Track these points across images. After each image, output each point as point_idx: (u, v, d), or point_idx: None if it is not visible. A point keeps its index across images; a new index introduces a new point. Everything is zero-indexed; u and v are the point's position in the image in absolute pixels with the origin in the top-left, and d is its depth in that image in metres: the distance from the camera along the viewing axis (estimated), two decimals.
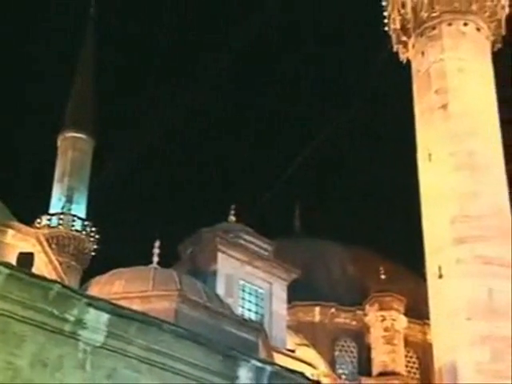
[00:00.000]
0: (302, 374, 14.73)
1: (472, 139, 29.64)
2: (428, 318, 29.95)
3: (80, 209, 47.22)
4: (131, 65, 75.19)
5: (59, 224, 45.83)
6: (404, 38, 32.98)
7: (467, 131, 29.76)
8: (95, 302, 13.02)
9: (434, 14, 31.86)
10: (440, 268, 28.45)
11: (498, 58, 32.45)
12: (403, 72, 33.09)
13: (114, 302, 13.69)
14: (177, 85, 75.89)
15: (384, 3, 33.61)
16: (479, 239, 27.81)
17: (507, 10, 32.62)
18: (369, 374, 35.40)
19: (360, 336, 37.26)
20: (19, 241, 19.34)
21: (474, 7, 31.78)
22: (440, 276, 28.43)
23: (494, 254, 27.68)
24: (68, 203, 46.96)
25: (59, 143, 48.80)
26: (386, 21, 33.59)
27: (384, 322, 35.87)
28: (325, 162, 68.48)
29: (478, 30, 31.79)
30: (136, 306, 15.65)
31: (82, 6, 57.18)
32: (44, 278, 13.18)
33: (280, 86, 76.90)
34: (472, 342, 26.47)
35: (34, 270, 14.45)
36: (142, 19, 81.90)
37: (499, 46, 32.62)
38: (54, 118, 50.29)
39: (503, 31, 32.62)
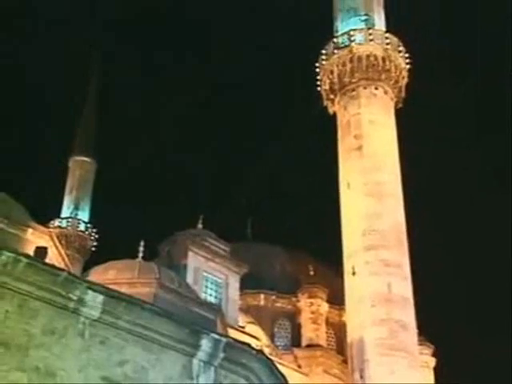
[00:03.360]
0: (249, 345, 14.60)
1: (379, 173, 30.01)
2: (343, 305, 30.14)
3: (84, 214, 47.12)
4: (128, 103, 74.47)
5: (68, 225, 45.71)
6: (332, 97, 33.22)
7: (375, 167, 30.13)
8: (93, 286, 12.95)
9: (354, 80, 32.22)
10: (353, 267, 28.68)
11: (398, 114, 33.04)
12: (331, 121, 33.43)
13: (107, 286, 13.62)
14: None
15: (318, 70, 33.92)
16: (382, 247, 28.18)
17: (406, 79, 33.20)
18: (299, 345, 35.37)
19: (293, 317, 37.17)
20: (36, 238, 19.08)
21: (383, 76, 32.22)
22: (353, 273, 28.65)
23: (392, 259, 28.08)
24: (75, 210, 46.87)
25: (70, 164, 48.74)
26: (318, 83, 33.95)
27: (311, 307, 35.89)
28: (271, 186, 68.92)
29: (385, 92, 32.20)
30: (124, 289, 15.53)
31: (89, 54, 57.01)
32: (54, 267, 13.12)
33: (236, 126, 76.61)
34: (374, 323, 26.78)
35: (47, 260, 14.39)
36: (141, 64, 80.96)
37: (400, 105, 33.19)
38: (66, 145, 50.10)
39: (403, 94, 33.24)
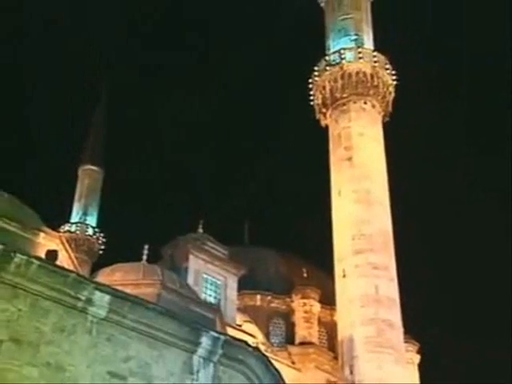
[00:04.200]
0: (246, 343, 14.64)
1: (367, 181, 30.05)
2: (335, 305, 30.10)
3: (92, 220, 46.90)
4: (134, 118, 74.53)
5: (77, 230, 45.50)
6: (324, 110, 33.31)
7: (364, 176, 30.17)
8: (100, 287, 12.98)
9: (345, 95, 32.33)
10: (344, 270, 28.67)
11: (386, 127, 33.16)
12: (323, 133, 33.54)
13: (113, 287, 13.62)
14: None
15: (310, 86, 34.04)
16: (370, 251, 28.18)
17: (393, 95, 33.35)
18: (293, 343, 35.24)
19: (287, 316, 37.00)
20: (48, 241, 18.94)
21: (371, 92, 32.36)
22: (344, 276, 28.63)
23: (380, 262, 28.09)
24: (84, 216, 46.67)
25: (79, 173, 48.62)
26: (311, 98, 34.06)
27: (304, 307, 35.71)
28: (267, 194, 68.95)
29: (373, 107, 32.30)
30: (129, 290, 15.41)
31: (99, 71, 57.11)
32: (64, 268, 13.16)
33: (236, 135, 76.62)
34: (363, 322, 26.76)
35: (58, 262, 14.30)
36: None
37: (387, 119, 33.30)
38: (76, 155, 50.14)
39: (390, 109, 33.35)
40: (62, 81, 74.24)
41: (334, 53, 33.67)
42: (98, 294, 12.70)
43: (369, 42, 34.60)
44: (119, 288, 13.85)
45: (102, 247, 46.12)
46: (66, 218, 46.42)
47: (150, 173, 72.53)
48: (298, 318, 35.79)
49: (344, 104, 32.00)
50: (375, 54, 33.73)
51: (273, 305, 37.86)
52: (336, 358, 29.26)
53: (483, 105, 63.33)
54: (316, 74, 33.74)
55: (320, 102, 33.11)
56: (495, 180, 59.56)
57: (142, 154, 73.53)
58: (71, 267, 17.72)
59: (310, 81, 33.90)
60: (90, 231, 45.95)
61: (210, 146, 78.31)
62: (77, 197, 47.63)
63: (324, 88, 32.78)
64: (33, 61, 74.54)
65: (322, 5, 36.84)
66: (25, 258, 12.16)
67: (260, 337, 31.31)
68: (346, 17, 34.82)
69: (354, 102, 31.86)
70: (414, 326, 32.16)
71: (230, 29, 78.64)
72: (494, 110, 64.22)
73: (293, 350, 34.12)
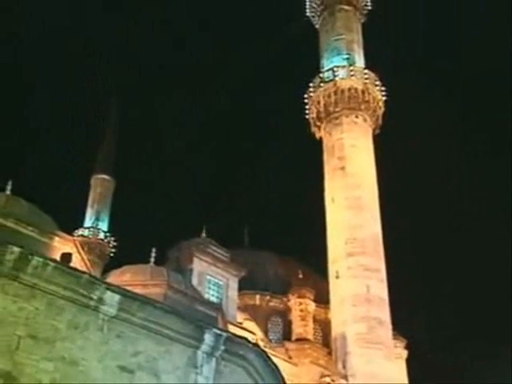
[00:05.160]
0: (246, 339, 14.64)
1: (359, 189, 30.17)
2: (329, 304, 30.18)
3: (104, 225, 47.05)
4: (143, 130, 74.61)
5: (89, 234, 45.61)
6: (318, 123, 33.50)
7: (356, 184, 30.29)
8: (111, 287, 12.96)
9: (338, 109, 32.54)
10: (337, 272, 28.76)
11: (376, 139, 33.25)
12: (318, 144, 33.67)
13: (123, 287, 13.60)
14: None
15: (306, 101, 34.20)
16: (361, 254, 28.28)
17: (382, 109, 33.52)
18: (289, 339, 35.13)
19: (285, 314, 36.87)
20: (62, 245, 18.92)
21: (363, 107, 32.56)
22: (337, 277, 28.72)
23: (371, 264, 28.17)
24: (96, 221, 46.79)
25: (92, 182, 48.73)
26: (307, 112, 34.20)
27: (300, 306, 35.49)
28: (266, 201, 68.93)
29: (365, 120, 32.48)
30: (138, 290, 15.37)
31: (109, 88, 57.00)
32: (78, 270, 13.11)
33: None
34: (355, 320, 26.82)
35: (71, 264, 14.31)
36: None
37: (377, 131, 33.43)
38: (89, 165, 50.25)
39: (380, 122, 33.49)
40: (73, 93, 74.06)
41: (328, 70, 33.96)
42: (108, 293, 12.70)
43: (360, 61, 34.85)
44: (128, 288, 13.82)
45: (113, 250, 46.28)
46: (79, 223, 46.66)
47: (157, 182, 72.73)
48: (295, 316, 35.62)
49: (337, 118, 32.20)
50: (366, 71, 33.98)
51: (271, 304, 37.77)
52: (330, 353, 29.20)
53: (470, 117, 63.42)
54: (311, 89, 34.01)
55: (315, 115, 33.34)
56: (478, 187, 59.69)
57: (150, 165, 73.68)
58: (84, 269, 17.72)
59: (306, 96, 34.12)
60: (102, 235, 46.12)
61: (210, 156, 78.18)
62: (90, 203, 47.82)
63: (319, 103, 33.04)
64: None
65: (317, 27, 37.14)
66: (41, 260, 12.16)
67: (259, 334, 31.15)
68: (338, 38, 35.13)
69: (347, 116, 32.04)
70: (401, 323, 32.13)
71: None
72: (480, 123, 64.36)
73: (289, 345, 33.95)
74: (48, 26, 72.78)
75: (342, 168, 30.68)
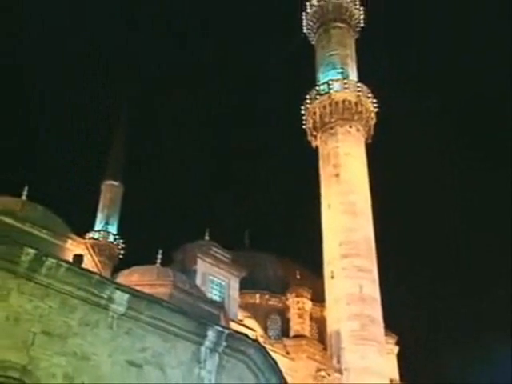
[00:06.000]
0: (246, 336, 14.69)
1: (353, 195, 30.18)
2: (324, 302, 30.09)
3: (113, 228, 46.92)
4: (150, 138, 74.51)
5: (100, 237, 45.49)
6: (314, 133, 33.55)
7: (350, 190, 30.31)
8: (120, 287, 13.02)
9: (333, 120, 32.61)
10: (332, 272, 28.73)
11: (368, 148, 33.29)
12: (313, 153, 33.74)
13: (132, 287, 13.65)
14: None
15: (303, 112, 34.28)
16: (355, 256, 28.27)
17: (374, 120, 33.59)
18: (287, 336, 35.02)
19: (283, 313, 36.71)
20: (75, 247, 18.94)
21: (356, 117, 32.64)
22: (332, 277, 28.69)
23: (364, 265, 28.16)
24: (106, 224, 46.73)
25: (102, 187, 48.64)
26: (304, 122, 34.27)
27: (298, 305, 35.27)
28: (265, 206, 68.85)
29: (358, 130, 32.53)
30: (145, 290, 15.39)
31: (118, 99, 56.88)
32: (89, 271, 13.18)
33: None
34: (349, 318, 26.81)
35: (83, 265, 14.34)
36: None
37: (370, 140, 33.47)
38: (100, 172, 50.28)
39: (372, 132, 33.55)
40: (84, 98, 73.51)
41: (324, 83, 34.10)
42: (118, 293, 12.74)
43: (353, 74, 34.98)
44: (136, 288, 13.87)
45: (122, 252, 46.15)
46: (90, 227, 46.59)
47: (162, 188, 72.52)
48: (292, 314, 35.42)
49: (332, 128, 32.27)
50: (359, 84, 34.12)
51: (270, 302, 37.66)
52: (325, 349, 29.14)
53: (459, 128, 63.43)
54: (308, 101, 34.13)
55: (311, 125, 33.43)
56: (465, 192, 59.73)
57: (156, 171, 73.54)
58: (95, 270, 17.74)
59: (303, 107, 34.23)
60: (111, 238, 46.06)
61: (213, 166, 77.84)
62: (100, 208, 47.76)
63: (315, 114, 33.15)
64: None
65: (314, 43, 37.29)
66: (55, 261, 12.21)
67: (259, 331, 31.08)
68: (333, 53, 35.28)
69: (341, 126, 32.13)
70: (392, 320, 32.10)
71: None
72: (469, 133, 64.39)
73: (287, 342, 33.80)
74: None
75: (337, 175, 30.73)
